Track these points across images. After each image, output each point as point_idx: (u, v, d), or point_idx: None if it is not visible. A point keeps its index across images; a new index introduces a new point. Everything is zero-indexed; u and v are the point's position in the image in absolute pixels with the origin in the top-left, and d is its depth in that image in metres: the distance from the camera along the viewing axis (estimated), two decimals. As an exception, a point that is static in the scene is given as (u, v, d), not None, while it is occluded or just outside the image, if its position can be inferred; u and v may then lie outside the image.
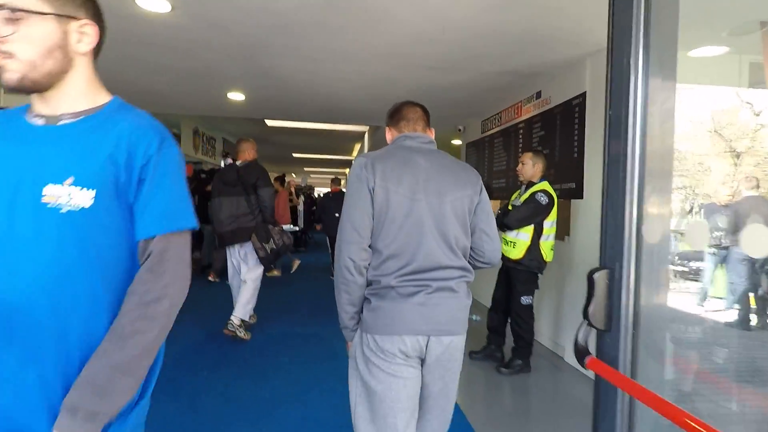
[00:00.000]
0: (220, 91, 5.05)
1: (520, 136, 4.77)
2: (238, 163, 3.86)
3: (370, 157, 1.45)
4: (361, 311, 1.45)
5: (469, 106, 5.41)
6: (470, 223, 1.50)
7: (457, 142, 8.45)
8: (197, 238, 8.11)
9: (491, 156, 5.60)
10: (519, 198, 3.31)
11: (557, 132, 3.99)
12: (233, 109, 5.96)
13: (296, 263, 5.21)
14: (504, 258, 3.26)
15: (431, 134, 1.62)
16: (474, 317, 4.44)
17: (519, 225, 3.17)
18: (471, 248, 1.52)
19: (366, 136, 10.21)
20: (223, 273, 5.34)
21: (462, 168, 1.55)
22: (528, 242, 3.18)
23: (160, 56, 3.85)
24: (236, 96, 5.24)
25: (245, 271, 3.80)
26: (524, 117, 4.67)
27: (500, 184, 5.27)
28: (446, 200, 1.44)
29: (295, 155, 14.58)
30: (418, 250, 1.39)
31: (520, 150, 4.72)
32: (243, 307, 3.79)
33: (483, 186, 1.55)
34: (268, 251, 3.68)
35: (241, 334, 3.79)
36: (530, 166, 3.27)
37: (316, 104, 5.67)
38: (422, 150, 1.52)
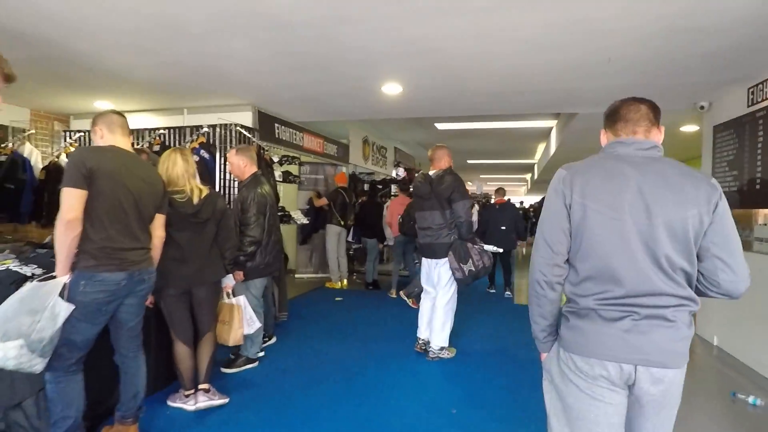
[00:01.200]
0: (373, 83, 4.33)
1: None
2: (431, 173, 3.65)
3: (571, 170, 1.37)
4: (558, 325, 1.42)
5: (727, 63, 3.47)
6: (701, 246, 1.29)
7: (690, 128, 6.13)
8: (360, 252, 7.72)
9: (771, 140, 3.51)
10: None
11: None
12: (391, 106, 5.21)
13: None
14: None
15: (659, 136, 1.39)
16: (754, 400, 3.04)
17: None
18: (702, 275, 1.32)
19: (553, 132, 8.48)
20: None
21: (691, 180, 1.28)
22: None
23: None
24: (392, 88, 4.44)
25: (438, 294, 3.66)
26: None
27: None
28: (658, 221, 1.26)
29: (469, 161, 13.53)
30: (624, 275, 1.27)
31: None
32: (439, 335, 3.66)
33: (722, 201, 1.28)
34: (466, 273, 3.41)
35: (444, 354, 3.72)
36: None
37: (489, 90, 4.49)
38: (636, 159, 1.33)
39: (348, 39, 3.21)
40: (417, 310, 4.03)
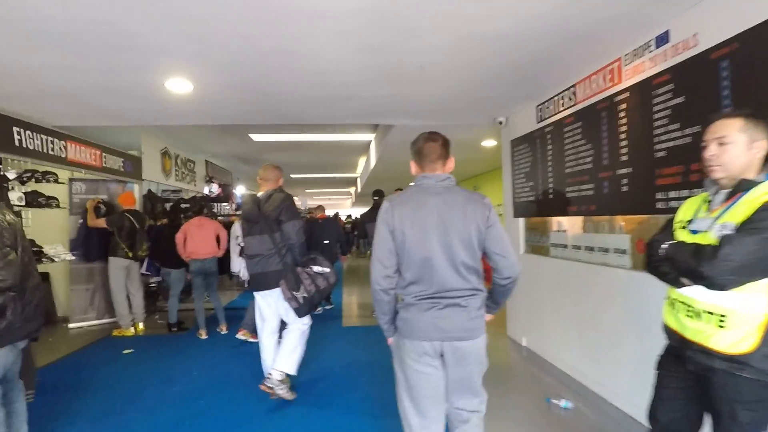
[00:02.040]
0: (154, 77, 3.39)
1: (620, 115, 3.03)
2: (259, 194, 3.35)
3: (392, 203, 1.86)
4: (395, 319, 1.90)
5: (519, 80, 3.69)
6: (485, 248, 1.82)
7: (490, 143, 6.73)
8: (164, 286, 6.39)
9: (559, 153, 3.85)
10: (711, 216, 1.53)
11: (721, 93, 2.24)
12: (184, 109, 4.27)
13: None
14: (697, 350, 1.53)
15: (451, 164, 1.94)
16: (566, 404, 3.17)
17: (739, 278, 1.39)
18: (493, 269, 1.86)
19: (372, 145, 8.52)
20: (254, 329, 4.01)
21: (470, 202, 1.83)
22: (765, 316, 1.40)
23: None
24: (179, 85, 3.56)
25: (290, 319, 3.29)
26: (630, 81, 2.93)
27: (583, 192, 3.50)
28: (453, 235, 1.78)
29: (293, 176, 12.97)
30: (432, 278, 1.79)
31: (621, 137, 2.99)
32: (287, 357, 3.22)
33: (492, 212, 1.84)
34: (300, 301, 3.07)
35: (283, 392, 3.16)
36: (742, 147, 1.51)
37: (301, 95, 3.98)
38: (436, 190, 1.86)
39: (99, 9, 2.29)
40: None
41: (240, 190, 12.59)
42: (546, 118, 4.07)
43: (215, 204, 9.38)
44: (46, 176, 4.04)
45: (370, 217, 5.93)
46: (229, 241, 6.04)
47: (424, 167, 1.89)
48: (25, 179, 3.74)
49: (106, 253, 5.35)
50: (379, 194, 6.43)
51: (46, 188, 4.86)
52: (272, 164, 3.37)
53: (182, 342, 5.11)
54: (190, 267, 5.22)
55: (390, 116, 5.05)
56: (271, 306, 3.30)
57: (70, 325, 5.83)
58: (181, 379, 3.88)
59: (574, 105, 3.60)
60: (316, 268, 3.17)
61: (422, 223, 1.77)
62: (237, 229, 6.60)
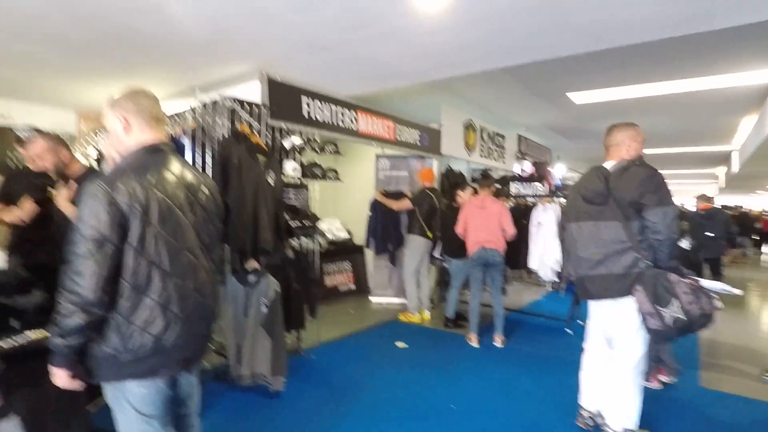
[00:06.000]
0: None
1: None
2: (606, 165, 2.51)
3: None
4: None
5: None
6: None
7: None
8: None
9: None
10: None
11: None
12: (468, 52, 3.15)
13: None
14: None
15: None
16: None
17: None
18: None
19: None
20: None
21: None
22: None
23: None
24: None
25: (618, 355, 2.49)
26: None
27: None
28: None
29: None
30: None
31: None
32: (622, 408, 2.43)
33: None
34: (667, 321, 2.19)
35: None
36: None
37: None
38: None
39: None
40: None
41: (560, 170, 10.88)
42: None
43: (528, 184, 8.16)
44: (320, 146, 3.81)
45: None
46: (526, 228, 4.76)
47: None
48: (299, 149, 3.56)
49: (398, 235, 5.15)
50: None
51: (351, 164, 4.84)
52: (624, 123, 2.53)
53: (456, 345, 4.19)
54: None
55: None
56: (600, 322, 2.57)
57: (371, 299, 5.94)
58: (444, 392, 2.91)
59: None
60: (707, 283, 2.24)
61: None
62: (539, 213, 5.20)
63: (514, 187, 6.05)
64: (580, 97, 6.03)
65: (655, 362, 3.28)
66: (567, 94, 5.95)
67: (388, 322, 4.99)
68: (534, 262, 5.09)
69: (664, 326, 2.21)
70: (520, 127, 8.43)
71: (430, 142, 5.83)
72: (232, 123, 3.27)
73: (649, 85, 5.35)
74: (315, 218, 3.70)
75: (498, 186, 6.09)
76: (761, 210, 17.01)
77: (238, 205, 2.86)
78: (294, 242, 3.71)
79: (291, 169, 3.40)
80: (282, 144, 3.51)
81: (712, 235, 5.92)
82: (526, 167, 8.81)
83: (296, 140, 3.55)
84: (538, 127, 8.59)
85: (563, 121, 7.81)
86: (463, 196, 4.74)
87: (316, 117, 4.01)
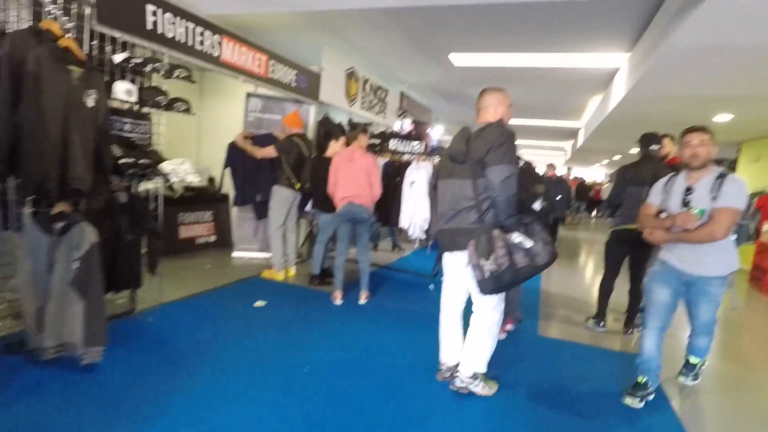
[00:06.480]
0: None
1: None
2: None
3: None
4: None
5: None
6: None
7: None
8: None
9: None
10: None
11: None
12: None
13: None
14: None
15: None
16: None
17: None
18: None
19: (622, 73, 5.83)
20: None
21: None
22: None
23: None
24: None
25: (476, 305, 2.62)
26: None
27: None
28: None
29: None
30: None
31: None
32: (472, 357, 2.60)
33: None
34: (485, 274, 2.30)
35: (479, 388, 2.60)
36: None
37: None
38: None
39: None
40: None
41: (437, 132, 11.18)
42: None
43: (407, 142, 8.18)
44: (171, 69, 3.12)
45: (638, 176, 3.71)
46: (397, 185, 4.67)
47: None
48: (135, 67, 2.85)
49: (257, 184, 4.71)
50: (650, 141, 3.82)
51: (218, 101, 4.11)
52: (494, 87, 2.62)
53: (320, 303, 4.02)
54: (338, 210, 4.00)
55: None
56: (459, 275, 2.61)
57: (234, 254, 5.45)
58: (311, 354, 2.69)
59: None
60: (516, 238, 2.33)
61: None
62: (413, 172, 5.17)
63: (393, 144, 5.96)
64: (460, 59, 6.04)
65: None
66: (449, 56, 5.91)
67: (248, 279, 4.60)
68: (405, 220, 5.10)
69: (483, 278, 2.33)
70: (403, 83, 8.31)
71: (309, 85, 5.34)
72: (35, 18, 2.46)
73: (522, 55, 5.55)
74: (157, 157, 3.07)
75: (373, 141, 5.94)
76: (593, 181, 20.01)
77: (35, 125, 2.16)
78: (133, 185, 3.07)
79: (123, 91, 2.70)
80: (111, 59, 2.76)
81: (558, 198, 6.68)
82: (406, 125, 8.86)
83: (126, 56, 2.82)
84: (421, 87, 8.58)
85: (444, 83, 7.88)
86: (334, 147, 4.43)
87: (164, 32, 3.26)
